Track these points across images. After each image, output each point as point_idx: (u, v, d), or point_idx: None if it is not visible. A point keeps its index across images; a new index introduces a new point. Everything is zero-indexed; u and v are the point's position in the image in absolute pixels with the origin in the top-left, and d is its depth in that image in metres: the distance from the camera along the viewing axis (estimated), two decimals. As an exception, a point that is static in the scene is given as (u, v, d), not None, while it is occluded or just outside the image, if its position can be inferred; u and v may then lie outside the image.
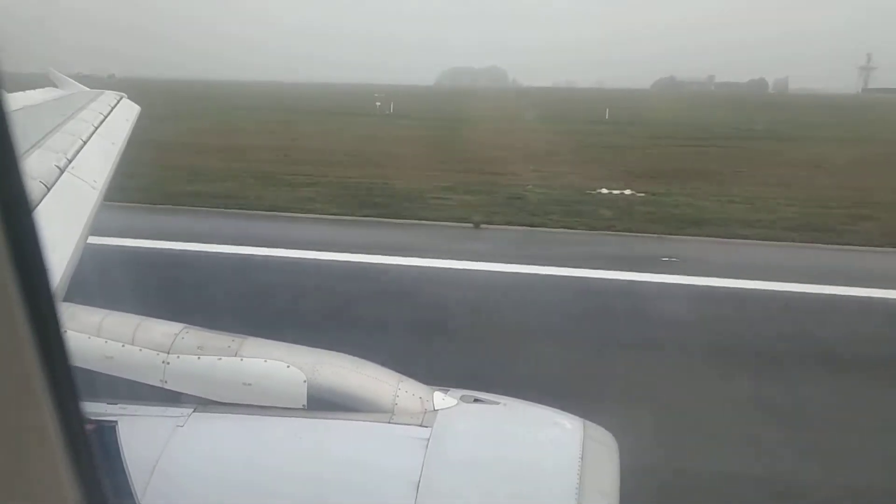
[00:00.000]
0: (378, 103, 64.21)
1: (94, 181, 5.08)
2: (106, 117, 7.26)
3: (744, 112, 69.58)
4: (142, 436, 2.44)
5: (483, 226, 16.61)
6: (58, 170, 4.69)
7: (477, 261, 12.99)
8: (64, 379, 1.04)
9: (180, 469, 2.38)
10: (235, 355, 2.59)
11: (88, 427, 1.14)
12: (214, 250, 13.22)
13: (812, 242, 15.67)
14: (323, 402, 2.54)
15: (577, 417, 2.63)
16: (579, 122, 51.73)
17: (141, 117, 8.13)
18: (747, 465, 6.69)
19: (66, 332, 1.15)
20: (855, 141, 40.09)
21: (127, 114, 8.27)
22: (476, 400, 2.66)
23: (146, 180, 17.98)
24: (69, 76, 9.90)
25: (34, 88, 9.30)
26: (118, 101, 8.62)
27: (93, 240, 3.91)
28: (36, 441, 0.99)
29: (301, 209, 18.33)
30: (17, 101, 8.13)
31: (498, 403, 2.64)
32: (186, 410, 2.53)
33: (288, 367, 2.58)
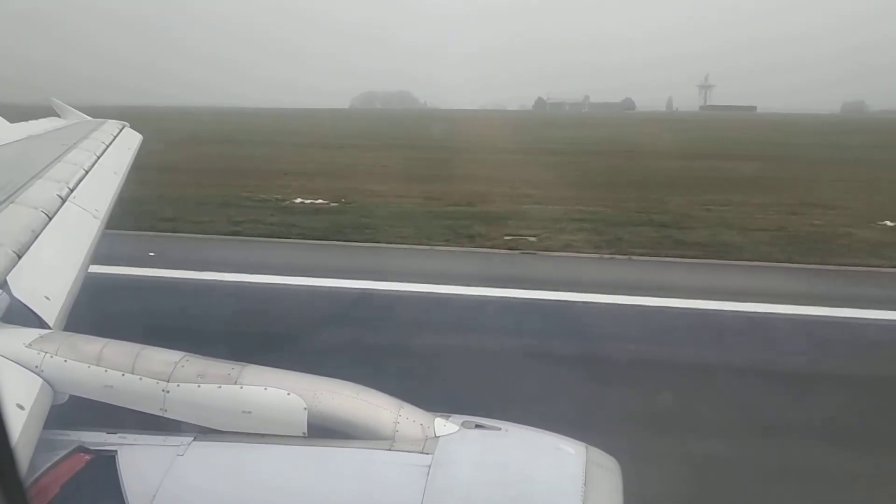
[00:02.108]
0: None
1: (96, 210, 5.11)
2: (108, 146, 7.32)
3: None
4: (142, 465, 2.43)
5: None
6: (59, 199, 4.72)
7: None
8: None
9: (180, 498, 2.36)
10: (235, 383, 2.58)
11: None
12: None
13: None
14: (323, 430, 2.53)
15: (580, 442, 2.61)
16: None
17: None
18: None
19: None
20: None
21: (129, 143, 8.35)
22: (477, 426, 2.64)
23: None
24: None
25: (37, 118, 9.40)
26: (120, 131, 8.69)
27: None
28: None
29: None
30: (19, 130, 8.21)
31: (499, 429, 2.63)
32: (186, 439, 2.51)
33: (288, 394, 2.56)
